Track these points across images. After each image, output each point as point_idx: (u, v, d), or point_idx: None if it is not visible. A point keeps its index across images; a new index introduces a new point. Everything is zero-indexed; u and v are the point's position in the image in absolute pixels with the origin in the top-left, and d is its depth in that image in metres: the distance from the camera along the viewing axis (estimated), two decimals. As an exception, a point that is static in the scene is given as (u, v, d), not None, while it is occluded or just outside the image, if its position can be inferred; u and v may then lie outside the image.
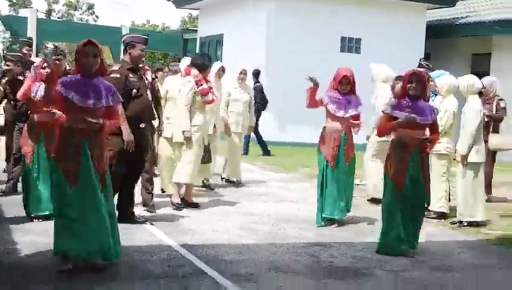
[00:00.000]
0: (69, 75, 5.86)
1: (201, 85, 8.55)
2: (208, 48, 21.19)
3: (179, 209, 8.42)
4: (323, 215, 7.90)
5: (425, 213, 7.60)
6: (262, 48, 18.01)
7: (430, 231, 7.71)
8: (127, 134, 7.01)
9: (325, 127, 7.99)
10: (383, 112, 6.97)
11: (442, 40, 20.04)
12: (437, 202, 8.66)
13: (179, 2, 23.29)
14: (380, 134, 7.17)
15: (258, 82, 15.36)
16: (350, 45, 18.71)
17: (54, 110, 5.48)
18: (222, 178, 10.94)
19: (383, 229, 6.75)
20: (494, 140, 9.55)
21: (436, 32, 19.81)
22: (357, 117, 7.98)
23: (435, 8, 20.03)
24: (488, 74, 18.02)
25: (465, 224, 8.19)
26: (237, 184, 10.75)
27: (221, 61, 18.74)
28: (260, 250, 6.61)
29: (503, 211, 9.35)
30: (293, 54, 17.43)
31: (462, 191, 8.21)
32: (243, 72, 10.99)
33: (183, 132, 8.43)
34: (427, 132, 6.88)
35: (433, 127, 6.87)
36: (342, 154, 7.86)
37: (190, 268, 5.79)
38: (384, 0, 18.10)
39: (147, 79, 7.64)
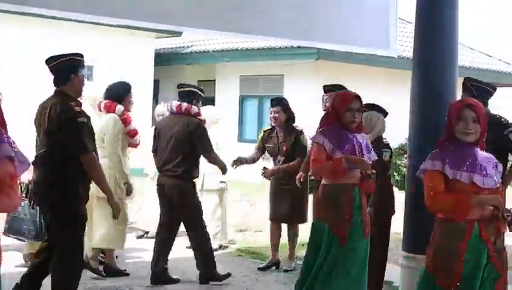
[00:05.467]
0: None
1: (129, 124, 7.12)
2: None
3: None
4: None
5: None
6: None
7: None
8: (111, 195, 5.68)
9: (325, 185, 5.33)
10: (426, 170, 4.25)
11: (170, 67, 21.09)
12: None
13: None
14: (433, 207, 4.27)
15: None
16: (82, 72, 18.94)
17: None
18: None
19: None
20: None
21: (164, 59, 20.84)
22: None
23: (163, 37, 21.01)
24: (213, 99, 19.48)
25: None
26: None
27: None
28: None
29: (237, 226, 10.36)
30: (24, 84, 17.21)
31: None
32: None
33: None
34: None
35: (498, 193, 4.25)
36: (357, 224, 5.21)
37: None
38: (113, 28, 18.60)
39: None
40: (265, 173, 7.81)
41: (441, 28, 6.64)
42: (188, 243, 8.80)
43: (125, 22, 6.00)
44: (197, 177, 7.16)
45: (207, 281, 6.95)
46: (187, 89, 7.21)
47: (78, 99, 5.61)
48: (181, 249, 8.69)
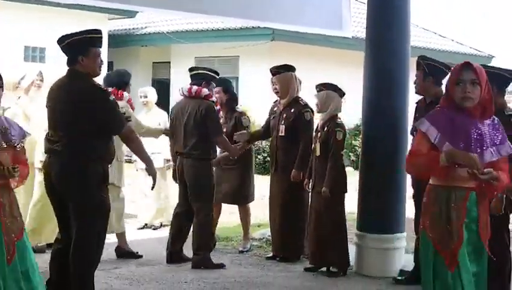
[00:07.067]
0: None
1: (133, 110, 7.34)
2: None
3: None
4: None
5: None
6: None
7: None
8: (151, 164, 5.49)
9: (432, 187, 3.89)
10: None
11: (124, 49, 20.82)
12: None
13: None
14: None
15: None
16: (34, 54, 18.64)
17: None
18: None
19: None
20: None
21: (118, 41, 20.57)
22: (503, 166, 3.86)
23: (117, 19, 20.74)
24: (168, 81, 19.36)
25: None
26: None
27: None
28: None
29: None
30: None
31: None
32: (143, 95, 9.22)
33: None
34: None
35: None
36: (471, 241, 3.80)
37: None
38: (66, 9, 18.32)
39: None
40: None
41: (393, 7, 6.69)
42: (139, 225, 9.03)
43: (78, 0, 5.88)
44: (215, 157, 7.18)
45: (199, 265, 6.86)
46: (196, 72, 7.23)
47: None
48: (136, 231, 8.72)
